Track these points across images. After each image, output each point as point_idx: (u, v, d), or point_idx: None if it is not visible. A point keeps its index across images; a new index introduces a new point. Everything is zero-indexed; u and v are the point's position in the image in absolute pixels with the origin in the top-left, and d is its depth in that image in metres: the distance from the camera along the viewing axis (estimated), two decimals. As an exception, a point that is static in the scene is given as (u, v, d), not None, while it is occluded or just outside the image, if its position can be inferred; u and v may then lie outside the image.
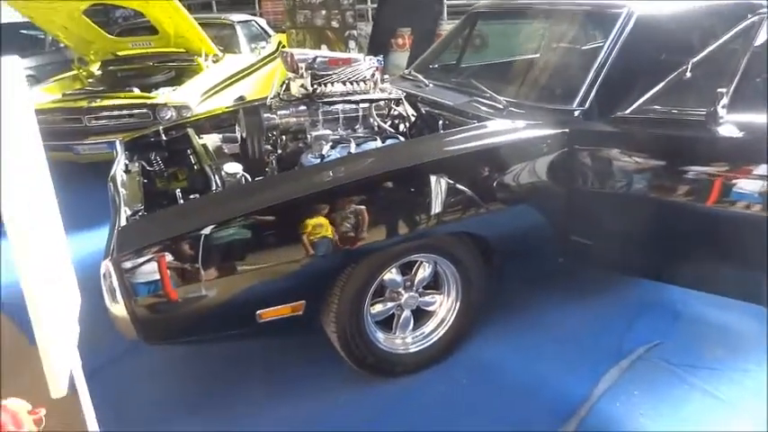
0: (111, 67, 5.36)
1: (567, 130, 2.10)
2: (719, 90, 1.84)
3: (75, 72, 5.27)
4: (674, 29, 2.28)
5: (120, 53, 5.47)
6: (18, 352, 2.45)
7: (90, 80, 5.17)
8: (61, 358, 1.09)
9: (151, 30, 5.28)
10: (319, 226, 1.79)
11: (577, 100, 2.17)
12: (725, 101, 1.84)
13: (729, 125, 1.86)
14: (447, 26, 6.62)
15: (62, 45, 6.04)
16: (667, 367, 2.17)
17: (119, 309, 1.68)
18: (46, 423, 1.02)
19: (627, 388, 2.07)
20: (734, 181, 1.90)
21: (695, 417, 1.94)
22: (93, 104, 4.36)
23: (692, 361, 2.19)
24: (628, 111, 2.09)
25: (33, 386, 1.06)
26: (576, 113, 2.15)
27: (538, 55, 3.14)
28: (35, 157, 1.16)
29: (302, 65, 2.48)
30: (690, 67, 2.04)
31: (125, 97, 4.46)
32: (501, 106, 2.29)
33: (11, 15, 5.90)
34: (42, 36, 7.99)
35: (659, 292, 2.58)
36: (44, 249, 1.09)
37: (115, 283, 1.66)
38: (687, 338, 2.32)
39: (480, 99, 2.42)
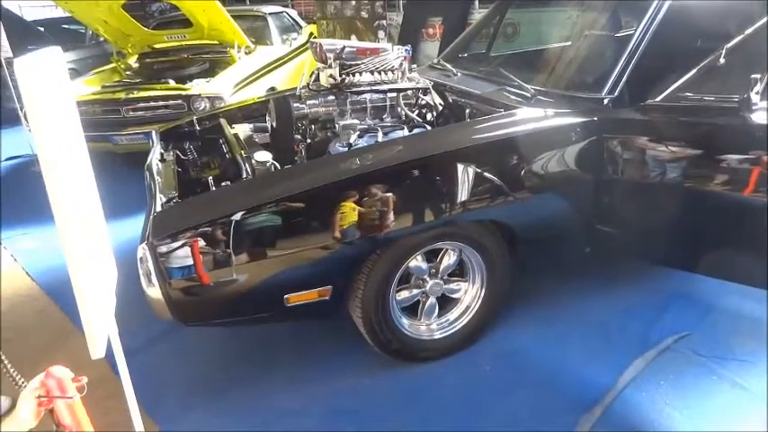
0: (147, 60, 5.52)
1: (595, 118, 2.09)
2: (753, 76, 1.79)
3: (113, 65, 5.43)
4: (707, 15, 2.22)
5: (156, 46, 5.62)
6: (61, 332, 2.58)
7: (128, 72, 5.33)
8: (100, 322, 1.17)
9: (186, 23, 5.41)
10: (346, 213, 1.83)
11: (607, 88, 2.14)
12: (759, 87, 1.79)
13: (763, 112, 1.82)
14: (478, 15, 6.55)
15: (101, 39, 6.22)
16: (696, 358, 2.14)
17: (154, 291, 1.76)
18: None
19: (653, 378, 2.05)
20: (769, 169, 1.86)
21: (723, 408, 1.92)
22: (131, 96, 4.50)
23: (722, 353, 2.16)
24: (658, 98, 2.06)
25: (74, 363, 1.13)
26: (606, 101, 2.13)
27: (568, 43, 3.10)
28: (77, 143, 1.23)
29: (331, 55, 2.52)
30: (723, 53, 1.99)
31: (161, 89, 4.59)
32: (529, 95, 2.28)
33: (53, 12, 6.11)
34: (83, 30, 8.24)
35: (691, 284, 2.54)
36: (85, 225, 1.16)
37: (151, 267, 1.73)
38: (717, 330, 2.29)
39: (508, 88, 2.42)
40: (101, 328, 1.17)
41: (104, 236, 1.45)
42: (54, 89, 1.13)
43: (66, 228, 1.03)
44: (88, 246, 1.16)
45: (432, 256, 2.18)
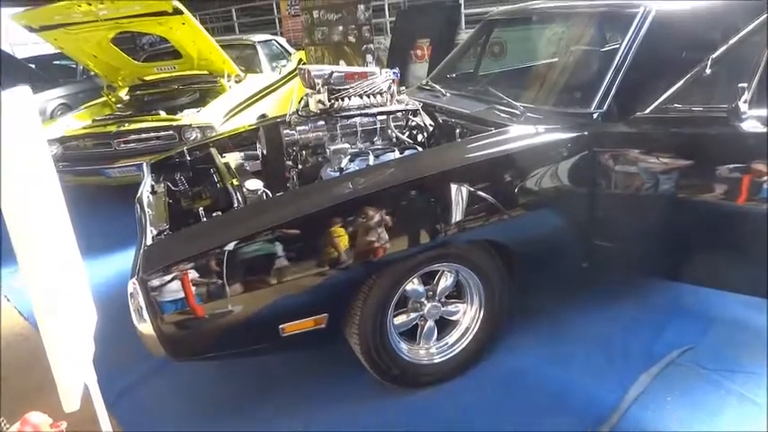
0: (138, 92, 5.53)
1: (586, 132, 2.08)
2: (741, 85, 1.80)
3: (104, 98, 5.45)
4: (692, 26, 2.24)
5: (146, 78, 5.64)
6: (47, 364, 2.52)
7: (119, 105, 5.34)
8: (73, 374, 1.12)
9: (176, 54, 5.44)
10: (340, 238, 1.81)
11: (596, 102, 2.14)
12: (747, 96, 1.79)
13: (752, 120, 1.82)
14: (464, 35, 6.63)
15: (92, 73, 6.25)
16: (702, 372, 2.10)
17: (146, 327, 1.72)
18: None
19: (659, 394, 2.01)
20: (762, 178, 1.85)
21: (732, 423, 1.87)
22: (122, 129, 4.50)
23: (729, 365, 2.12)
24: (647, 111, 2.06)
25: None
26: (595, 116, 2.13)
27: (555, 59, 3.12)
28: (47, 184, 1.19)
29: (319, 80, 2.51)
30: (709, 63, 2.00)
31: (152, 120, 4.59)
32: (518, 112, 2.28)
33: (44, 48, 6.15)
34: (74, 66, 8.29)
35: (692, 296, 2.50)
36: (56, 271, 1.12)
37: (142, 302, 1.70)
38: (722, 342, 2.25)
39: (497, 106, 2.42)
40: (74, 380, 1.12)
41: (81, 280, 1.40)
42: (18, 132, 1.09)
43: (33, 277, 0.98)
44: (59, 295, 1.11)
45: (428, 279, 2.15)
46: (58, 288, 1.12)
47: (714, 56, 2.01)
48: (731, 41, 2.03)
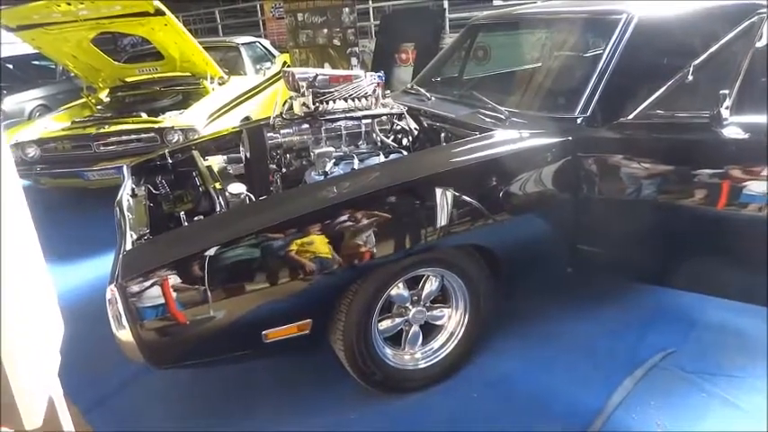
0: (119, 94, 5.45)
1: (570, 137, 2.09)
2: (722, 92, 1.82)
3: (84, 100, 5.35)
4: (675, 32, 2.26)
5: (128, 79, 5.56)
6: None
7: (99, 107, 5.25)
8: (36, 389, 1.07)
9: (157, 55, 5.37)
10: (324, 243, 1.79)
11: (579, 107, 2.15)
12: (728, 102, 1.82)
13: (734, 127, 1.84)
14: (449, 39, 6.65)
15: (72, 74, 6.15)
16: (684, 376, 2.12)
17: (125, 334, 1.68)
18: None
19: (643, 398, 2.02)
20: (742, 183, 1.87)
21: (715, 427, 1.89)
22: (102, 131, 4.42)
23: (711, 369, 2.14)
24: (630, 116, 2.08)
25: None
26: (579, 121, 2.13)
27: (539, 64, 3.13)
28: (7, 190, 1.12)
29: (303, 83, 2.49)
30: (691, 70, 2.02)
31: (133, 122, 4.52)
32: (503, 117, 2.28)
33: (22, 48, 6.04)
34: (53, 66, 8.15)
35: (674, 299, 2.52)
36: (17, 282, 1.06)
37: (120, 309, 1.66)
38: (704, 346, 2.27)
39: (482, 110, 2.42)
40: (37, 395, 1.06)
41: (46, 290, 1.33)
42: None
43: None
44: (20, 307, 1.06)
45: (413, 284, 2.13)
46: (20, 300, 1.06)
47: (696, 62, 2.04)
48: (712, 48, 2.06)
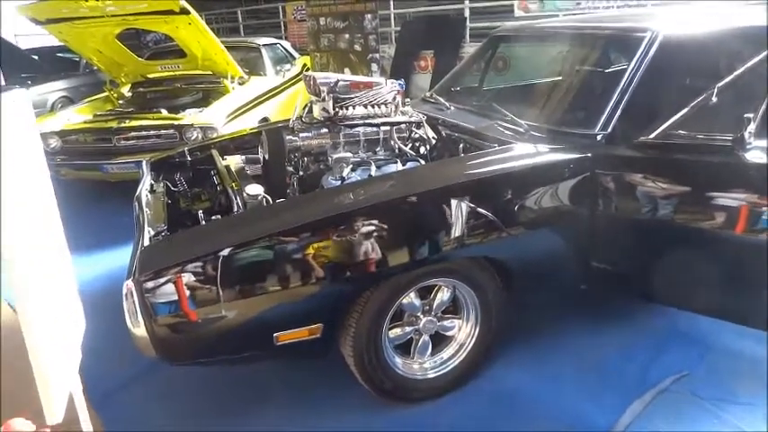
0: (140, 89, 5.52)
1: (589, 154, 2.08)
2: (747, 115, 1.80)
3: (106, 94, 5.43)
4: (700, 52, 2.24)
5: (149, 75, 5.63)
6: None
7: (120, 101, 5.32)
8: (57, 385, 1.09)
9: (180, 53, 5.43)
10: (338, 249, 1.79)
11: (600, 124, 2.13)
12: (752, 127, 1.80)
13: (757, 151, 1.82)
14: (469, 48, 6.66)
15: (95, 68, 6.24)
16: (696, 401, 2.09)
17: (139, 328, 1.70)
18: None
19: (652, 421, 1.99)
20: (762, 208, 1.85)
21: (726, 454, 1.86)
22: (123, 125, 4.48)
23: (724, 395, 2.10)
24: (652, 135, 2.05)
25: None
26: (599, 138, 2.12)
27: (560, 78, 3.12)
28: (39, 186, 1.16)
29: (324, 88, 2.51)
30: (716, 91, 2.00)
31: (153, 118, 4.57)
32: (522, 130, 2.28)
33: (48, 40, 6.12)
34: (77, 59, 8.26)
35: (689, 322, 2.48)
36: (44, 279, 1.09)
37: (136, 303, 1.68)
38: (718, 371, 2.23)
39: (501, 123, 2.41)
40: (59, 391, 1.09)
41: (70, 287, 1.36)
42: (12, 137, 1.07)
43: (21, 285, 0.95)
44: (47, 304, 1.08)
45: (425, 293, 2.13)
46: (46, 296, 1.09)
47: (720, 84, 2.01)
48: (738, 70, 2.04)
